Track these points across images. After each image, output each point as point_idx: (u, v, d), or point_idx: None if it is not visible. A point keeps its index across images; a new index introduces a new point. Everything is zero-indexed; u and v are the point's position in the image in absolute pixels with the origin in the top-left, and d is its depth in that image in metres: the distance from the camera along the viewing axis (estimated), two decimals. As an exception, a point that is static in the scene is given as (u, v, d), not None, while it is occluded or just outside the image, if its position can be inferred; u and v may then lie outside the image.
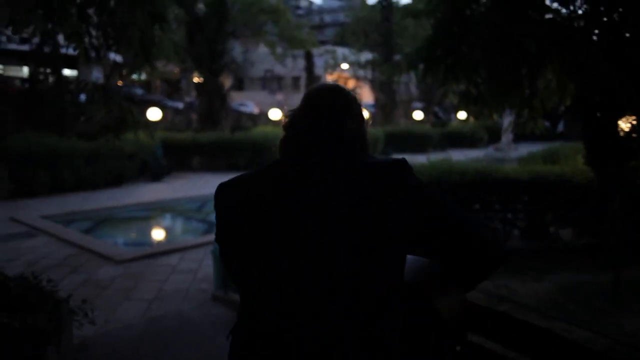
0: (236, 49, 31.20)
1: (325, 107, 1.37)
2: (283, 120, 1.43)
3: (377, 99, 26.61)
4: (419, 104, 30.48)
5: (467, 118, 27.98)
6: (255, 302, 1.31)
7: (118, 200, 10.84)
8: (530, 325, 2.62)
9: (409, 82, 31.60)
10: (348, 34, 27.14)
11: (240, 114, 24.99)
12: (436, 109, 31.33)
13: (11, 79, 22.68)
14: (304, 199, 1.28)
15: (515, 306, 4.23)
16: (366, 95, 32.20)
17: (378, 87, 25.63)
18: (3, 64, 24.72)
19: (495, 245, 1.38)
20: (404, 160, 1.32)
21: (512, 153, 17.98)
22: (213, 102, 17.78)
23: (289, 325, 1.24)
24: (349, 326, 1.21)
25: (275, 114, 17.98)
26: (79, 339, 4.16)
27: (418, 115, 26.35)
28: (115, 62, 4.71)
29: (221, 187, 1.40)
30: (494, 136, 24.59)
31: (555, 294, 5.32)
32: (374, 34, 24.81)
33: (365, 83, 29.40)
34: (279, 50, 23.87)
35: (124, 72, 4.97)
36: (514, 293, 5.20)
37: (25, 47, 15.39)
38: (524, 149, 15.59)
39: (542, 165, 7.20)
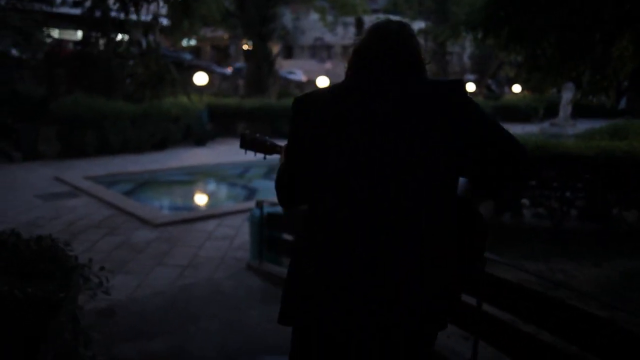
0: (286, 16, 30.77)
1: (395, 34, 1.50)
2: (354, 44, 1.55)
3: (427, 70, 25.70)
4: (471, 77, 29.42)
5: (522, 91, 26.92)
6: (318, 212, 1.42)
7: (161, 163, 10.79)
8: (589, 315, 2.25)
9: (462, 53, 30.46)
10: (401, 1, 26.16)
11: (289, 82, 24.63)
12: (489, 81, 30.12)
13: (65, 42, 23.04)
14: (372, 117, 1.38)
15: (573, 293, 3.82)
16: (417, 66, 31.21)
17: (430, 56, 24.66)
18: (58, 27, 25.14)
19: (528, 157, 1.46)
20: (461, 81, 1.48)
21: (570, 129, 16.98)
22: (261, 68, 17.47)
23: (350, 236, 1.35)
24: (409, 237, 1.34)
25: (323, 82, 17.59)
26: (107, 302, 4.03)
27: (470, 87, 25.37)
28: (154, 17, 4.46)
29: (299, 100, 1.51)
30: (550, 111, 23.47)
31: (617, 281, 4.85)
32: (427, 0, 23.79)
33: (417, 53, 28.40)
34: (329, 17, 23.24)
35: (168, 31, 4.74)
36: (572, 278, 4.77)
37: (78, 11, 15.50)
38: (583, 126, 14.71)
39: (607, 142, 6.60)
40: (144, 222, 6.38)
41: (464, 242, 1.46)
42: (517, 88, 28.01)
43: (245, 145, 1.89)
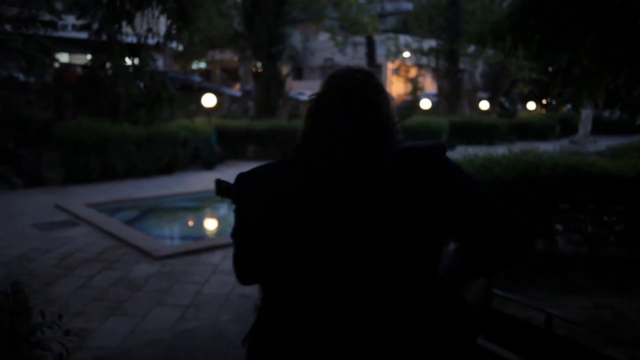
0: (296, 37, 30.64)
1: (359, 90, 1.27)
2: (306, 108, 1.35)
3: (440, 88, 25.30)
4: (483, 94, 29.01)
5: (537, 108, 26.39)
6: (283, 298, 1.27)
7: (167, 188, 10.37)
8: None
9: (473, 71, 30.07)
10: (411, 20, 25.84)
11: (299, 103, 24.32)
12: (502, 99, 29.65)
13: (72, 66, 23.04)
14: (341, 192, 1.22)
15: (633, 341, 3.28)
16: (428, 85, 30.95)
17: (442, 75, 24.31)
18: (69, 52, 25.22)
19: (529, 229, 1.28)
20: (442, 144, 1.28)
21: (590, 146, 16.46)
22: (270, 89, 17.13)
23: (319, 321, 1.20)
24: (382, 324, 1.19)
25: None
26: (95, 351, 3.56)
27: (484, 105, 24.90)
28: (149, 29, 4.06)
29: (244, 178, 1.32)
30: (566, 128, 22.92)
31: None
32: (438, 18, 23.44)
33: (428, 72, 28.13)
34: (338, 38, 22.99)
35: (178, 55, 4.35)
36: (621, 317, 4.21)
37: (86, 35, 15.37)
38: (604, 142, 14.16)
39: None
40: (145, 254, 5.91)
41: (444, 333, 1.27)
42: (531, 105, 27.49)
43: (221, 192, 1.79)
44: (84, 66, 18.67)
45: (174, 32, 3.84)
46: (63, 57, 26.07)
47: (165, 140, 11.85)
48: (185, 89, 21.23)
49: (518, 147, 6.31)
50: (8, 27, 13.94)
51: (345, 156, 1.22)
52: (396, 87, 33.58)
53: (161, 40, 4.12)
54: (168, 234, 7.99)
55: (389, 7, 55.26)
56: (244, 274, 1.38)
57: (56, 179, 10.92)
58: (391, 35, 27.33)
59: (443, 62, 24.47)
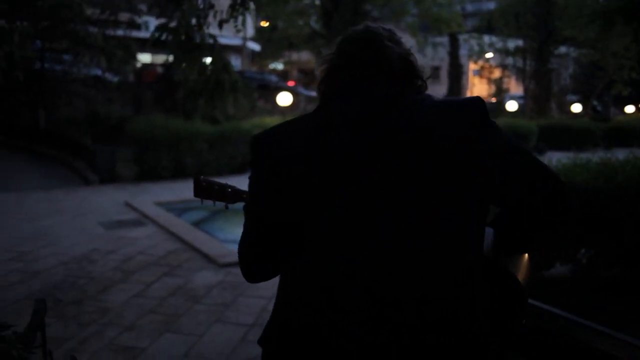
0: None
1: (379, 38, 1.17)
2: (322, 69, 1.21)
3: (527, 89, 23.73)
4: (573, 97, 27.09)
5: (635, 112, 24.21)
6: (299, 283, 1.12)
7: (240, 188, 9.95)
8: None
9: (562, 72, 28.15)
10: (496, 18, 24.39)
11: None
12: (594, 102, 27.49)
13: (153, 66, 23.60)
14: (380, 151, 1.07)
15: None
16: (512, 87, 29.33)
17: (530, 75, 22.79)
18: (152, 52, 25.91)
19: (570, 195, 1.14)
20: (480, 99, 1.13)
21: None
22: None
23: (334, 309, 1.06)
24: (419, 308, 1.05)
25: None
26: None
27: (576, 107, 23.09)
28: (211, 5, 3.52)
29: (261, 139, 1.15)
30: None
31: None
32: (527, 15, 21.90)
33: (512, 73, 26.57)
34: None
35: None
36: None
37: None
38: None
39: None
40: (209, 260, 5.41)
41: (494, 313, 1.12)
42: (630, 108, 25.19)
43: (201, 193, 1.58)
44: (162, 65, 18.94)
45: (238, 5, 3.29)
46: (145, 58, 26.85)
47: (239, 139, 11.49)
48: (262, 88, 21.10)
49: (620, 153, 5.33)
50: (92, 28, 14.18)
51: (370, 106, 1.11)
52: (478, 89, 32.11)
53: (224, 17, 3.61)
54: (235, 238, 7.52)
55: (469, 7, 53.42)
56: (257, 257, 1.18)
57: (129, 176, 10.80)
58: (474, 34, 25.96)
59: (531, 62, 22.94)
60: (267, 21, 21.52)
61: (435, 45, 25.10)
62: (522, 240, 1.20)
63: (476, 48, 25.45)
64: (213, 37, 3.76)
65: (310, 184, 1.07)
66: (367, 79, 1.13)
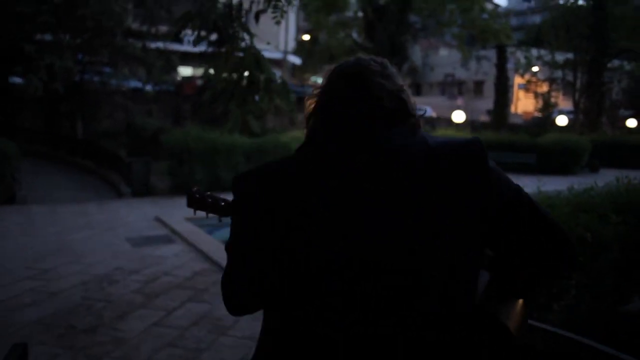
0: (416, 52, 29.35)
1: (371, 74, 1.11)
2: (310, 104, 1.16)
3: (577, 104, 22.68)
4: (625, 112, 25.83)
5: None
6: (289, 319, 1.06)
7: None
8: None
9: (613, 86, 26.91)
10: (545, 30, 23.45)
11: (418, 117, 23.18)
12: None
13: (193, 79, 23.67)
14: (360, 191, 1.03)
15: None
16: (560, 101, 28.21)
17: (582, 89, 21.76)
18: (192, 65, 26.13)
19: (573, 243, 1.11)
20: (479, 140, 1.09)
21: None
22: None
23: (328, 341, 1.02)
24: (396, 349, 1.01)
25: (458, 117, 15.95)
26: None
27: (631, 123, 21.90)
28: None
29: (245, 178, 1.10)
30: None
31: None
32: (579, 27, 20.95)
33: (560, 86, 25.54)
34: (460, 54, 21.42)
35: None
36: None
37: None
38: None
39: None
40: (238, 283, 4.93)
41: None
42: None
43: (194, 204, 1.58)
44: (201, 77, 18.90)
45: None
46: (186, 71, 27.02)
47: (276, 152, 11.09)
48: (301, 101, 20.84)
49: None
50: (132, 40, 14.09)
51: (368, 149, 1.05)
52: (524, 103, 31.07)
53: (262, 7, 3.18)
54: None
55: (514, 21, 52.35)
56: (243, 294, 1.08)
57: (163, 189, 10.52)
58: (523, 47, 25.06)
59: (582, 75, 21.94)
60: (309, 33, 21.26)
61: (479, 59, 24.34)
62: (523, 286, 1.16)
63: (523, 61, 24.55)
64: (246, 29, 3.34)
65: (306, 222, 1.02)
66: (355, 119, 1.07)
